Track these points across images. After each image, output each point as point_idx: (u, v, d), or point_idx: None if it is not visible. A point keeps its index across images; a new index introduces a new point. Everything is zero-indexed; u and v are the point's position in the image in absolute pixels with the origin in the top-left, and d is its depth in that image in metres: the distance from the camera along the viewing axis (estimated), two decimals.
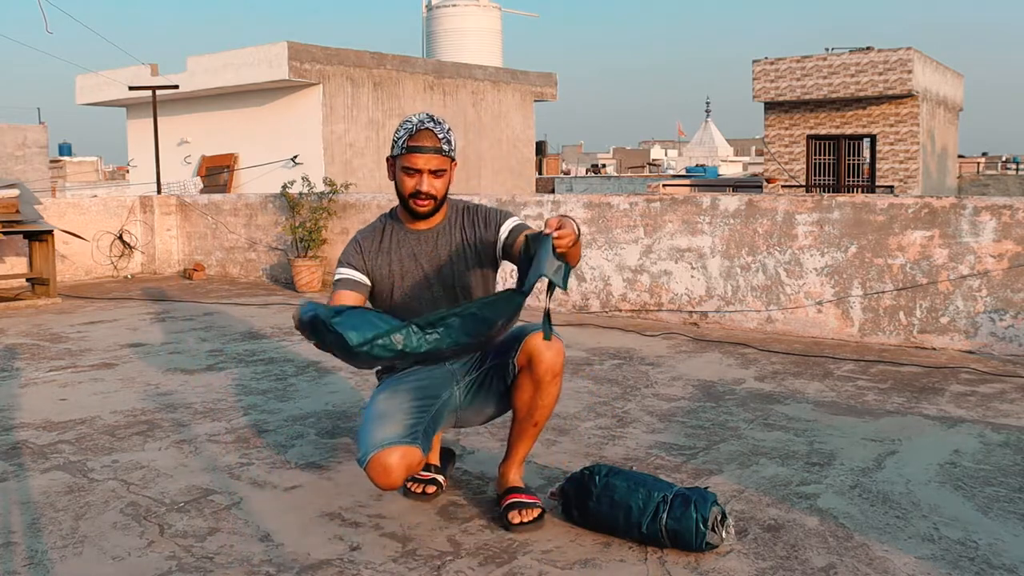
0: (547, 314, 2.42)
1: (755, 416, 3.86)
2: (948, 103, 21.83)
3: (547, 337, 2.49)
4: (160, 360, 5.20)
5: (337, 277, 2.84)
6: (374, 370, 3.07)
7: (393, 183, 2.83)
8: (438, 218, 2.85)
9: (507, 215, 2.86)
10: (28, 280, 8.11)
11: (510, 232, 2.78)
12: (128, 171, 21.47)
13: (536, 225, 6.96)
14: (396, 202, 2.87)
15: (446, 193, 2.81)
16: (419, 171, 2.71)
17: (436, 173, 2.73)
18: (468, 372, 2.84)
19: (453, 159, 2.77)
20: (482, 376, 2.81)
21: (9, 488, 3.07)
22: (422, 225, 2.84)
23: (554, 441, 3.52)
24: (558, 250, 2.31)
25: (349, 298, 2.78)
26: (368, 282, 2.84)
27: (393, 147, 2.77)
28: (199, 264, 9.86)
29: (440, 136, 2.71)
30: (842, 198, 5.72)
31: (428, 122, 2.71)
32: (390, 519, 2.75)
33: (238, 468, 3.25)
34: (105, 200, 10.08)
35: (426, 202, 2.75)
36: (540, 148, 35.83)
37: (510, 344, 2.71)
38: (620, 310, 6.60)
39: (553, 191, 26.71)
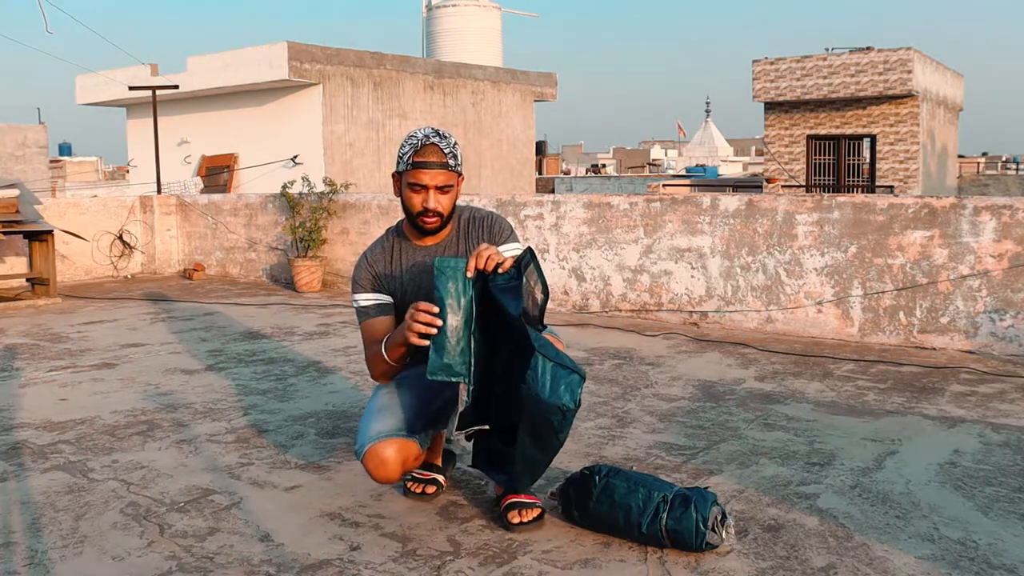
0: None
1: (755, 416, 3.86)
2: (948, 103, 21.83)
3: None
4: (160, 360, 5.20)
5: (362, 305, 2.78)
6: None
7: (399, 199, 2.77)
8: (445, 232, 2.82)
9: (509, 234, 2.82)
10: (28, 280, 8.11)
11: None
12: (128, 171, 21.47)
13: (536, 225, 6.97)
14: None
15: (453, 209, 2.77)
16: (425, 187, 2.65)
17: (442, 189, 2.67)
18: None
19: (460, 174, 2.73)
20: None
21: (9, 488, 3.07)
22: (430, 241, 2.81)
23: None
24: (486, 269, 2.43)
25: (384, 325, 2.75)
26: (391, 299, 2.80)
27: (398, 163, 2.72)
28: (199, 264, 9.86)
29: (446, 151, 2.65)
30: (842, 198, 5.72)
31: (433, 136, 2.65)
32: (390, 519, 2.75)
33: (238, 468, 3.25)
34: (105, 200, 10.08)
35: (433, 219, 2.70)
36: (540, 148, 35.84)
37: None
38: (620, 310, 6.60)
39: (553, 191, 26.70)
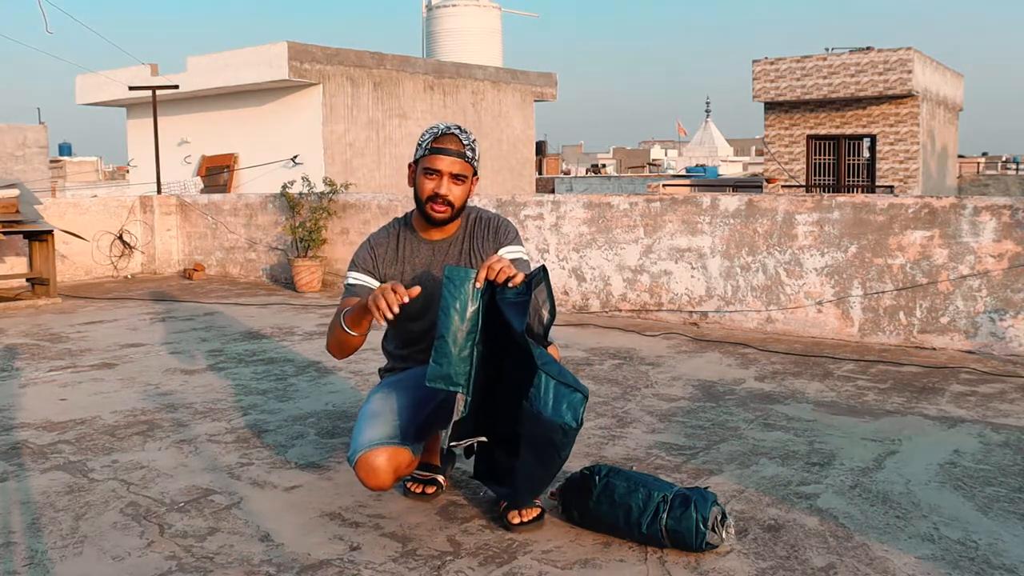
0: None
1: (755, 416, 3.86)
2: (948, 103, 21.83)
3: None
4: (160, 360, 5.20)
5: (350, 281, 2.80)
6: (377, 370, 3.07)
7: (412, 189, 2.78)
8: (452, 228, 2.82)
9: (513, 237, 2.83)
10: (28, 280, 8.10)
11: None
12: (128, 171, 21.47)
13: (536, 225, 6.97)
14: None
15: (463, 205, 2.77)
16: (440, 173, 2.68)
17: (456, 178, 2.70)
18: None
19: (475, 171, 2.75)
20: None
21: (9, 488, 3.07)
22: (436, 235, 2.82)
23: None
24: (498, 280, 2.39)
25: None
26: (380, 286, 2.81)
27: (417, 151, 2.76)
28: (199, 264, 9.86)
29: (465, 143, 2.71)
30: (842, 198, 5.72)
31: (455, 128, 2.72)
32: (390, 519, 2.75)
33: (238, 468, 3.25)
34: (105, 200, 10.08)
35: (443, 208, 2.71)
36: (540, 148, 35.83)
37: None
38: (620, 310, 6.60)
39: (553, 191, 26.70)
